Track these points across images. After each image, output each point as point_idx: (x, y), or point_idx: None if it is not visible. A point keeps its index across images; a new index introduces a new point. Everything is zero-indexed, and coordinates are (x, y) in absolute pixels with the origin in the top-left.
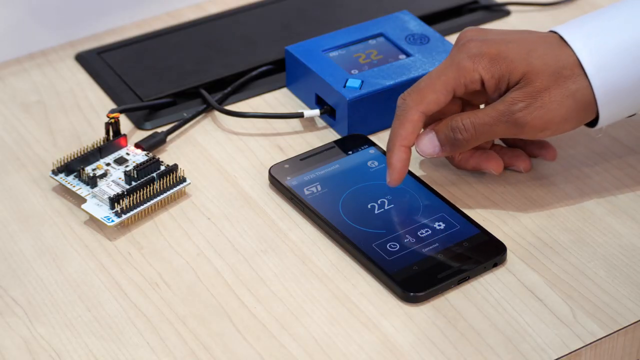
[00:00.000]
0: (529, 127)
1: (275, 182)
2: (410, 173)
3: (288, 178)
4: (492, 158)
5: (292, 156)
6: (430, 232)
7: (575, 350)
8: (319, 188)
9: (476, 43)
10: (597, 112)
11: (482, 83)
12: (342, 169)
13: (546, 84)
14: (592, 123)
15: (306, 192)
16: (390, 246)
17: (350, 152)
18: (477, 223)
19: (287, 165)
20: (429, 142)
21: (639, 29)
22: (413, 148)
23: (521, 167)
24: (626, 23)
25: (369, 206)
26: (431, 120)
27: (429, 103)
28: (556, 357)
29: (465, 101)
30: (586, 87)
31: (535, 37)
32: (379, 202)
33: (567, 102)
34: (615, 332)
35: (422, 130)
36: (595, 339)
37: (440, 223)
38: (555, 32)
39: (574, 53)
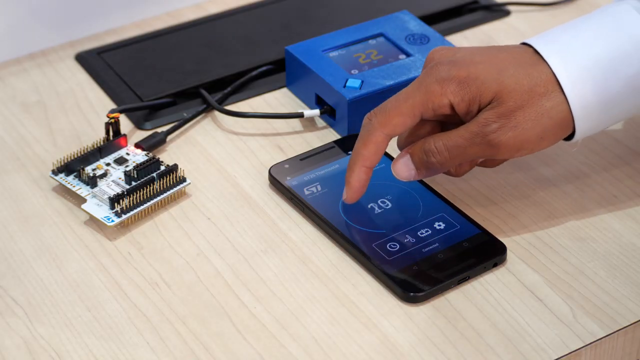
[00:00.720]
0: (504, 148)
1: (275, 182)
2: None
3: (288, 178)
4: None
5: (292, 156)
6: (430, 232)
7: (575, 350)
8: (319, 188)
9: (445, 66)
10: (574, 127)
11: (452, 107)
12: (342, 169)
13: (519, 103)
14: (568, 137)
15: (306, 192)
16: (390, 246)
17: (350, 152)
18: (477, 223)
19: (287, 165)
20: (405, 166)
21: (610, 42)
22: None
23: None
24: (598, 36)
25: (369, 206)
26: (407, 142)
27: (395, 126)
28: (556, 357)
29: (441, 122)
30: (561, 103)
31: (506, 54)
32: (379, 202)
33: (543, 120)
34: (615, 332)
35: (393, 154)
36: (595, 339)
37: (440, 223)
38: (527, 45)
39: (550, 68)
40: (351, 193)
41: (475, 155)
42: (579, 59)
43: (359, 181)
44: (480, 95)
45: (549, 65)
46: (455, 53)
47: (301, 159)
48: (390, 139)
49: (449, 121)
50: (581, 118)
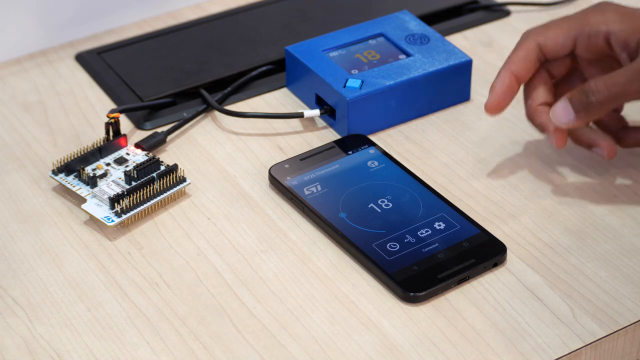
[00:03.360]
0: None
1: (275, 182)
2: (410, 173)
3: (288, 178)
4: (608, 139)
5: (292, 156)
6: (430, 232)
7: (575, 350)
8: (319, 188)
9: (612, 4)
10: None
11: (607, 39)
12: (342, 169)
13: None
14: None
15: (306, 192)
16: (390, 246)
17: (350, 152)
18: (477, 223)
19: (287, 165)
20: (563, 111)
21: None
22: (550, 117)
23: (605, 152)
24: None
25: (369, 206)
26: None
27: (549, 38)
28: (556, 357)
29: (577, 69)
30: None
31: None
32: (379, 202)
33: None
34: (615, 332)
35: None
36: (595, 339)
37: (440, 223)
38: None
39: None
40: (492, 98)
41: (634, 94)
42: None
43: (502, 86)
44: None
45: None
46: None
47: (301, 159)
48: (540, 51)
49: (591, 65)
50: None
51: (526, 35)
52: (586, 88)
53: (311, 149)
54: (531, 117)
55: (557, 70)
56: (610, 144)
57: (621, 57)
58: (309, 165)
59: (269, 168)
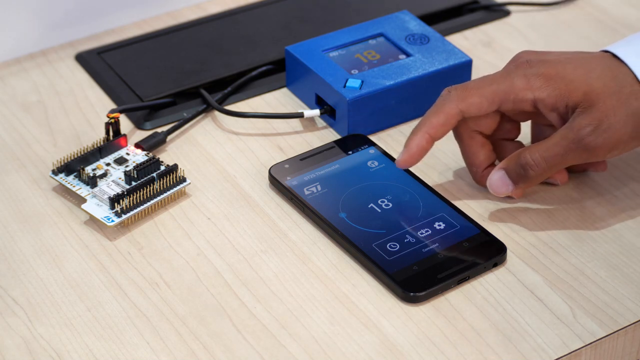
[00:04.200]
0: (600, 150)
1: (275, 182)
2: (410, 173)
3: (288, 178)
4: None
5: (292, 156)
6: (430, 232)
7: (575, 350)
8: (319, 188)
9: (534, 63)
10: None
11: (534, 103)
12: (342, 169)
13: (610, 104)
14: None
15: (306, 192)
16: (390, 246)
17: (350, 152)
18: (477, 223)
19: (287, 165)
20: (501, 182)
21: None
22: (487, 186)
23: (558, 180)
24: None
25: (369, 206)
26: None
27: (471, 104)
28: (556, 357)
29: (505, 116)
30: None
31: (591, 57)
32: (379, 202)
33: (632, 120)
34: (615, 332)
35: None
36: (595, 339)
37: (440, 223)
38: (607, 52)
39: (630, 70)
40: (407, 156)
41: (572, 161)
42: None
43: (417, 146)
44: (568, 93)
45: (629, 67)
46: (542, 54)
47: (301, 159)
48: (462, 116)
49: (518, 119)
50: None
51: (448, 98)
52: (522, 161)
53: (311, 149)
54: (481, 183)
55: (486, 126)
56: (561, 173)
57: (550, 117)
58: (309, 165)
59: (269, 168)
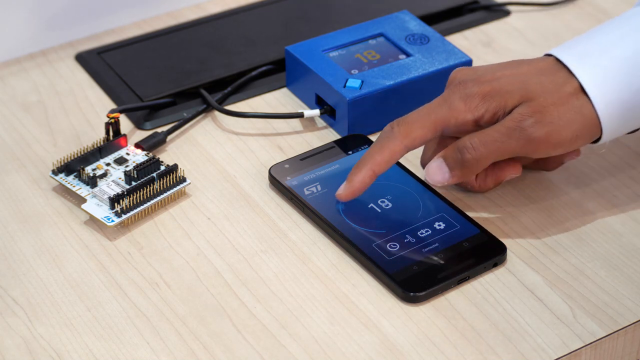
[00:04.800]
0: (542, 144)
1: (275, 182)
2: (410, 173)
3: (288, 178)
4: (506, 165)
5: (292, 156)
6: (430, 232)
7: (575, 350)
8: (319, 188)
9: (469, 83)
10: (601, 129)
11: (476, 123)
12: (342, 169)
13: (550, 101)
14: (595, 140)
15: (306, 192)
16: (390, 246)
17: (350, 152)
18: (477, 223)
19: (287, 165)
20: (438, 169)
21: (631, 43)
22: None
23: (509, 173)
24: (618, 39)
25: (369, 206)
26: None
27: (415, 139)
28: (556, 357)
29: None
30: (588, 104)
31: (527, 67)
32: (379, 202)
33: (576, 118)
34: (615, 332)
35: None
36: (595, 339)
37: (440, 223)
38: (550, 55)
39: (572, 74)
40: (349, 191)
41: (513, 151)
42: (600, 61)
43: (361, 183)
44: (504, 104)
45: (570, 71)
46: (476, 71)
47: (301, 159)
48: (407, 151)
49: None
50: (607, 118)
51: (392, 135)
52: (460, 145)
53: (311, 149)
54: (484, 188)
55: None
56: (511, 165)
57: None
58: (309, 165)
59: (269, 168)
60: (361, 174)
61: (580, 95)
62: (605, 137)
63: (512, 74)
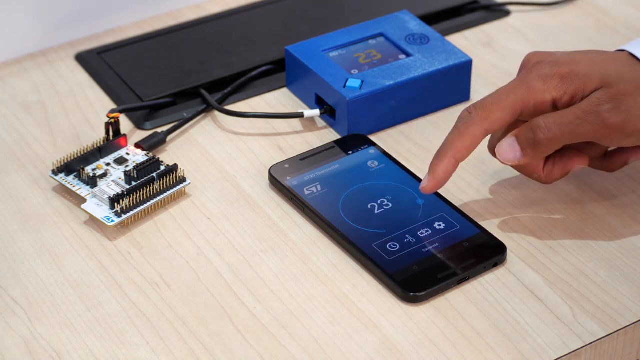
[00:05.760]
0: (617, 130)
1: (275, 182)
2: (410, 173)
3: (288, 178)
4: (574, 155)
5: (292, 156)
6: (430, 232)
7: (575, 350)
8: (319, 188)
9: (547, 64)
10: None
11: (554, 104)
12: (342, 169)
13: (629, 89)
14: None
15: (306, 192)
16: (390, 246)
17: (350, 152)
18: (477, 223)
19: (287, 165)
20: (510, 147)
21: None
22: (494, 156)
23: (576, 164)
24: None
25: (369, 206)
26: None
27: (494, 121)
28: (556, 357)
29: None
30: None
31: (604, 55)
32: (379, 202)
33: None
34: (615, 332)
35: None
36: (595, 339)
37: (440, 223)
38: (623, 51)
39: None
40: (434, 183)
41: (586, 135)
42: None
43: (445, 172)
44: (583, 87)
45: None
46: (552, 54)
47: (301, 159)
48: (487, 134)
49: None
50: None
51: (471, 121)
52: (534, 124)
53: (311, 149)
54: (551, 178)
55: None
56: (579, 156)
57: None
58: (309, 165)
59: (269, 168)
60: (443, 164)
61: None
62: None
63: (590, 60)
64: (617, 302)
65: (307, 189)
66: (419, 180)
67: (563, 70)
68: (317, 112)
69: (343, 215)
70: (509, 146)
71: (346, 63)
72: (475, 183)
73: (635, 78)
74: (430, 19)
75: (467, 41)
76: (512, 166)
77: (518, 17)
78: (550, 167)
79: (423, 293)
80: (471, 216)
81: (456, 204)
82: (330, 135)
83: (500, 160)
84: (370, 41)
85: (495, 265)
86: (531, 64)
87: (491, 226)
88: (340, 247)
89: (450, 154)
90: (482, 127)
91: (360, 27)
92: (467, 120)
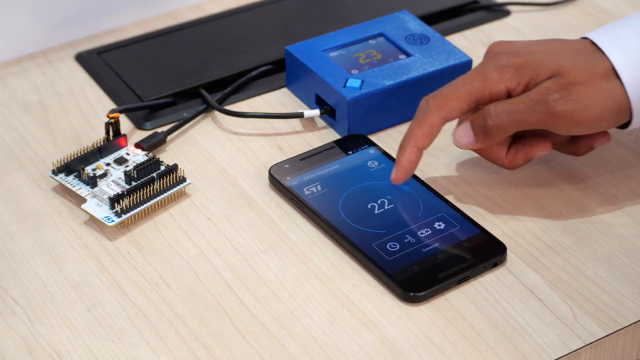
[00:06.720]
0: (565, 120)
1: (275, 182)
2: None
3: (288, 178)
4: (536, 142)
5: (292, 156)
6: (430, 232)
7: (575, 350)
8: (319, 188)
9: (504, 55)
10: (631, 113)
11: (509, 94)
12: (342, 169)
13: (579, 79)
14: (624, 125)
15: (306, 192)
16: (390, 246)
17: (350, 152)
18: (476, 223)
19: (287, 165)
20: (464, 132)
21: None
22: (450, 141)
23: (539, 149)
24: None
25: (369, 206)
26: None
27: (451, 110)
28: (556, 357)
29: None
30: (619, 88)
31: (563, 45)
32: (379, 202)
33: (604, 99)
34: (615, 332)
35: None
36: (595, 339)
37: (440, 223)
38: (586, 39)
39: (607, 57)
40: (401, 173)
41: (535, 123)
42: (634, 46)
43: (409, 161)
44: (536, 77)
45: (605, 55)
46: (513, 44)
47: (301, 159)
48: (445, 122)
49: None
50: (638, 103)
51: (428, 110)
52: (485, 111)
53: (311, 149)
54: (514, 164)
55: None
56: (542, 142)
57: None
58: (309, 165)
59: (269, 168)
60: (407, 153)
61: (612, 78)
62: (636, 122)
63: (547, 49)
64: (617, 302)
65: (307, 189)
66: (419, 180)
67: (519, 60)
68: (317, 112)
69: (343, 215)
70: (464, 131)
71: (346, 63)
72: (475, 183)
73: (589, 67)
74: (430, 19)
75: (467, 41)
76: (475, 151)
77: (518, 17)
78: (513, 153)
79: (423, 293)
80: (471, 216)
81: (456, 204)
82: (330, 135)
83: (456, 145)
84: (370, 41)
85: (495, 265)
86: (491, 55)
87: (491, 226)
88: (340, 247)
89: (411, 143)
90: (439, 116)
91: (360, 27)
92: (425, 109)
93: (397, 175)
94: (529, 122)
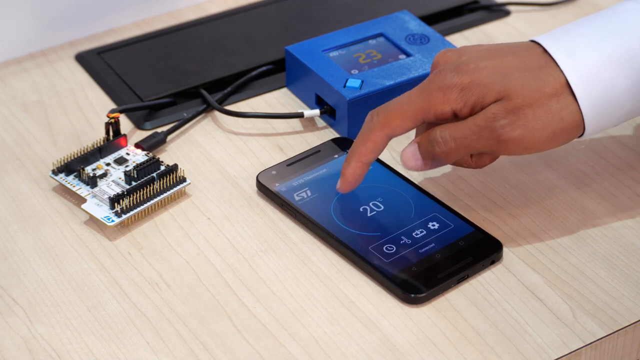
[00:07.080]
0: (512, 145)
1: (264, 189)
2: (399, 175)
3: (277, 185)
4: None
5: (279, 162)
6: (424, 232)
7: (575, 350)
8: (309, 193)
9: (449, 73)
10: (584, 128)
11: (454, 115)
12: (330, 173)
13: (528, 101)
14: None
15: (296, 198)
16: (386, 248)
17: (336, 156)
18: (470, 221)
19: (274, 172)
20: (412, 156)
21: (619, 40)
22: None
23: (472, 163)
24: (607, 35)
25: (360, 209)
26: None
27: (395, 127)
28: (556, 357)
29: None
30: (571, 104)
31: (512, 58)
32: (370, 204)
33: (553, 121)
34: (615, 332)
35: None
36: (595, 339)
37: (434, 223)
38: (535, 43)
39: (559, 68)
40: (345, 185)
41: (482, 149)
42: (589, 58)
43: (353, 175)
44: (482, 99)
45: (557, 65)
46: (460, 56)
47: (288, 165)
48: (390, 139)
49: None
50: (591, 118)
51: (372, 127)
52: (432, 137)
53: (297, 154)
54: (481, 165)
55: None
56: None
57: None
58: (296, 171)
59: (256, 175)
60: (350, 167)
61: (564, 95)
62: (588, 134)
63: (494, 66)
64: (617, 302)
65: (297, 195)
66: (408, 180)
67: (464, 80)
68: (317, 112)
69: (336, 219)
70: (412, 155)
71: (346, 63)
72: (475, 183)
73: (539, 87)
74: (430, 19)
75: (467, 41)
76: None
77: (518, 17)
78: (478, 155)
79: (425, 294)
80: (471, 217)
81: (456, 204)
82: (330, 135)
83: (403, 166)
84: (370, 41)
85: (493, 262)
86: (437, 70)
87: (491, 226)
88: (337, 251)
89: (355, 158)
90: (383, 133)
91: (360, 27)
92: (369, 125)
93: (342, 186)
94: (477, 147)
